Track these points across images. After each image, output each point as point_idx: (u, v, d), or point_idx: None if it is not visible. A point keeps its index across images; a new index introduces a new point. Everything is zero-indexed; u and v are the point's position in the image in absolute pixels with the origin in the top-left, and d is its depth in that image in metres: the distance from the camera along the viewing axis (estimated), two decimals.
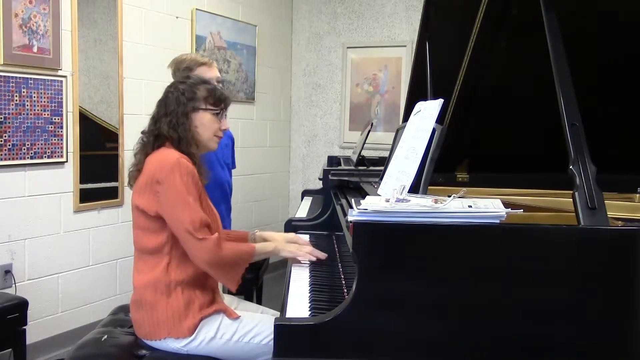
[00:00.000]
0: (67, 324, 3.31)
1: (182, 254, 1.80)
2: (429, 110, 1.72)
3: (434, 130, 1.63)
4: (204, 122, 1.91)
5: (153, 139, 1.88)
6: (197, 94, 1.90)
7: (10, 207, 3.00)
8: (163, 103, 1.91)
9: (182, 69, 2.56)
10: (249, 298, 2.88)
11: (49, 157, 3.15)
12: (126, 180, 1.97)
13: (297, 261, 2.05)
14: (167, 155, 1.81)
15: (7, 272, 2.98)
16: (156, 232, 1.81)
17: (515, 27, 1.99)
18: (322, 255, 2.00)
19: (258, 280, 3.03)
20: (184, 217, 1.74)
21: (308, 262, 2.03)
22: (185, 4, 4.07)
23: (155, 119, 1.91)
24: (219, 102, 1.93)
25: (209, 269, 1.79)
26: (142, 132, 1.94)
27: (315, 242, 2.28)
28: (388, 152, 2.11)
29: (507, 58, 2.08)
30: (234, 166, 2.96)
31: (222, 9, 4.42)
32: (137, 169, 1.88)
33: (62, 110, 3.20)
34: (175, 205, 1.75)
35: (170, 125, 1.86)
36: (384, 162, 2.12)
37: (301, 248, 2.02)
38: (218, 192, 2.68)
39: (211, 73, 2.56)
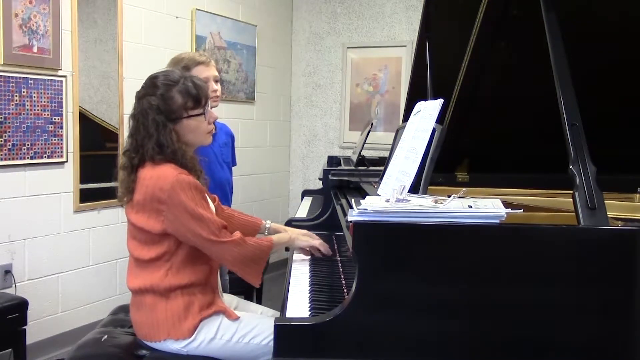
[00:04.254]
0: (67, 324, 3.31)
1: (181, 260, 1.78)
2: (429, 110, 1.72)
3: (434, 130, 1.63)
4: (191, 129, 1.83)
5: (138, 161, 1.79)
6: (173, 105, 1.79)
7: (10, 207, 3.00)
8: (142, 124, 1.79)
9: (180, 68, 2.53)
10: (249, 298, 2.88)
11: (49, 157, 3.15)
12: (120, 189, 1.85)
13: (299, 258, 2.09)
14: (164, 174, 1.73)
15: (7, 272, 2.98)
16: (155, 244, 1.77)
17: (515, 27, 1.99)
18: (327, 251, 2.09)
19: None
20: (202, 230, 1.71)
21: (308, 263, 2.04)
22: (185, 4, 4.07)
23: (137, 141, 1.79)
24: (197, 101, 1.82)
25: (234, 267, 1.80)
26: (124, 153, 1.83)
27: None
28: (388, 152, 2.11)
29: (507, 58, 2.08)
30: (234, 164, 2.95)
31: (222, 9, 4.42)
32: (128, 191, 1.80)
33: (62, 110, 3.20)
34: (189, 223, 1.71)
35: (154, 151, 1.76)
36: (384, 162, 2.12)
37: (315, 237, 2.10)
38: (218, 192, 2.67)
39: (209, 72, 2.53)
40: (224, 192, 2.75)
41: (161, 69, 1.99)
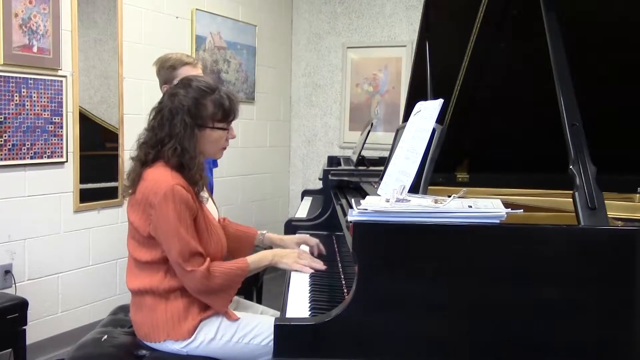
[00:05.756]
0: (67, 324, 3.31)
1: None
2: (429, 110, 1.72)
3: (434, 130, 1.63)
4: (210, 140, 1.82)
5: (152, 158, 1.78)
6: (203, 112, 1.78)
7: (10, 207, 3.00)
8: (167, 121, 1.76)
9: (167, 67, 2.54)
10: (249, 298, 2.88)
11: (49, 157, 3.15)
12: (126, 180, 1.88)
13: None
14: (163, 179, 1.72)
15: (7, 272, 2.98)
16: (151, 248, 1.77)
17: (515, 27, 1.99)
18: (321, 267, 1.93)
19: (258, 280, 3.03)
20: (174, 248, 1.69)
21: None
22: (185, 4, 4.07)
23: (158, 137, 1.77)
24: (226, 116, 1.83)
25: (199, 297, 1.76)
26: (140, 144, 1.82)
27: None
28: (388, 152, 2.11)
29: (507, 58, 2.08)
30: (215, 165, 2.94)
31: (222, 9, 4.42)
32: (133, 184, 1.79)
33: (62, 110, 3.20)
34: (167, 235, 1.70)
35: (175, 152, 1.75)
36: (384, 162, 2.13)
37: (298, 260, 1.94)
38: None
39: (195, 73, 2.53)
40: None
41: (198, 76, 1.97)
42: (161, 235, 1.72)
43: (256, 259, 1.90)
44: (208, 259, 1.75)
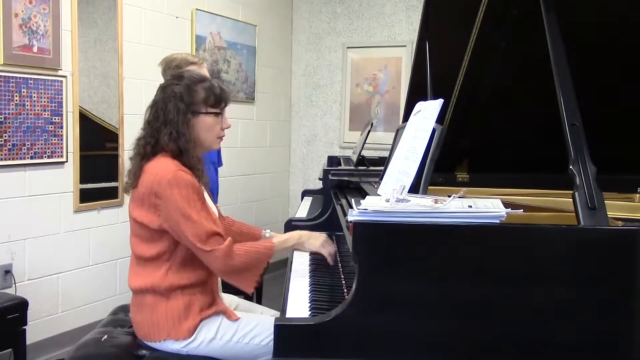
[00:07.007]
0: (67, 324, 3.31)
1: (181, 260, 1.78)
2: (429, 110, 1.72)
3: (434, 130, 1.63)
4: (205, 127, 1.84)
5: (150, 149, 1.80)
6: (195, 98, 1.82)
7: (10, 207, 3.00)
8: (161, 111, 1.81)
9: (172, 67, 2.57)
10: (249, 298, 2.88)
11: (49, 157, 3.15)
12: (127, 177, 1.88)
13: (300, 258, 2.07)
14: (164, 168, 1.74)
15: (7, 272, 2.98)
16: (154, 242, 1.77)
17: (515, 27, 1.99)
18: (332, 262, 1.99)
19: None
20: (188, 232, 1.70)
21: (308, 263, 2.03)
22: (185, 4, 4.07)
23: (153, 128, 1.81)
24: (218, 102, 1.86)
25: (224, 277, 1.79)
26: (138, 140, 1.85)
27: None
28: (388, 152, 2.11)
29: (507, 58, 2.08)
30: (220, 164, 2.93)
31: (222, 9, 4.42)
32: (134, 179, 1.81)
33: (62, 110, 3.20)
34: (179, 222, 1.70)
35: (171, 137, 1.78)
36: (384, 162, 2.12)
37: (325, 244, 1.97)
38: None
39: (201, 72, 2.55)
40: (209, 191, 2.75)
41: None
42: (173, 223, 1.72)
43: (282, 239, 1.94)
44: (230, 238, 1.75)
